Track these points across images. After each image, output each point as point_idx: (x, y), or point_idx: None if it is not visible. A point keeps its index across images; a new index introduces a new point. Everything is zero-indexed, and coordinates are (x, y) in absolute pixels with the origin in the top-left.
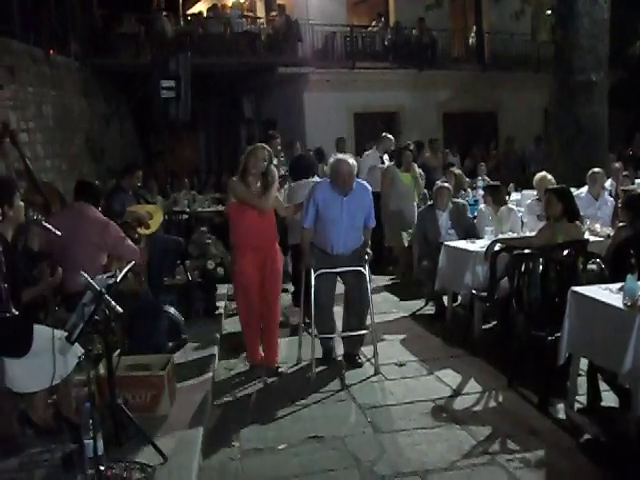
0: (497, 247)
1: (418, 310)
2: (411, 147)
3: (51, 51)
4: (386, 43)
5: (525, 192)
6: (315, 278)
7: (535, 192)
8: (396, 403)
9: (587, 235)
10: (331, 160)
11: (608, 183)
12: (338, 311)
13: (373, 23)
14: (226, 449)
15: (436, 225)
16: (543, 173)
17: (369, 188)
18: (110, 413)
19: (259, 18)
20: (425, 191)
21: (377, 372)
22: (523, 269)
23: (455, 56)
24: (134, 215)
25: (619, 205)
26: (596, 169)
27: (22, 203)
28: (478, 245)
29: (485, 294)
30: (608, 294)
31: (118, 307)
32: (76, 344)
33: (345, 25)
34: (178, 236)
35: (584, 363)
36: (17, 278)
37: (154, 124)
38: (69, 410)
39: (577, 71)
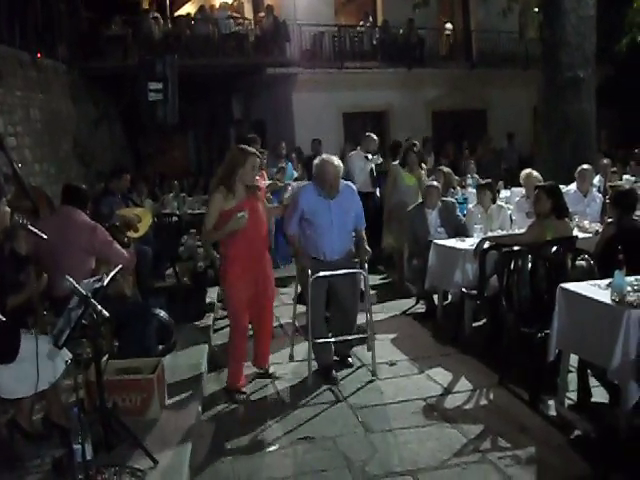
0: (486, 245)
1: (408, 309)
2: (416, 147)
3: (38, 55)
4: (374, 42)
5: (514, 189)
6: (311, 284)
7: (523, 190)
8: (387, 402)
9: (576, 232)
10: (316, 161)
11: (596, 179)
12: None
13: (361, 23)
14: (217, 451)
15: (425, 224)
16: (528, 170)
17: (354, 188)
18: (99, 417)
19: (247, 19)
20: None
21: (374, 374)
22: (512, 266)
23: (443, 54)
24: (123, 218)
25: (607, 201)
26: (585, 165)
27: (8, 208)
28: (467, 243)
29: (475, 292)
30: (597, 290)
31: (105, 311)
32: (64, 349)
33: (333, 25)
34: (168, 239)
35: (574, 359)
36: (2, 283)
37: (143, 127)
38: (59, 415)
39: (565, 68)
